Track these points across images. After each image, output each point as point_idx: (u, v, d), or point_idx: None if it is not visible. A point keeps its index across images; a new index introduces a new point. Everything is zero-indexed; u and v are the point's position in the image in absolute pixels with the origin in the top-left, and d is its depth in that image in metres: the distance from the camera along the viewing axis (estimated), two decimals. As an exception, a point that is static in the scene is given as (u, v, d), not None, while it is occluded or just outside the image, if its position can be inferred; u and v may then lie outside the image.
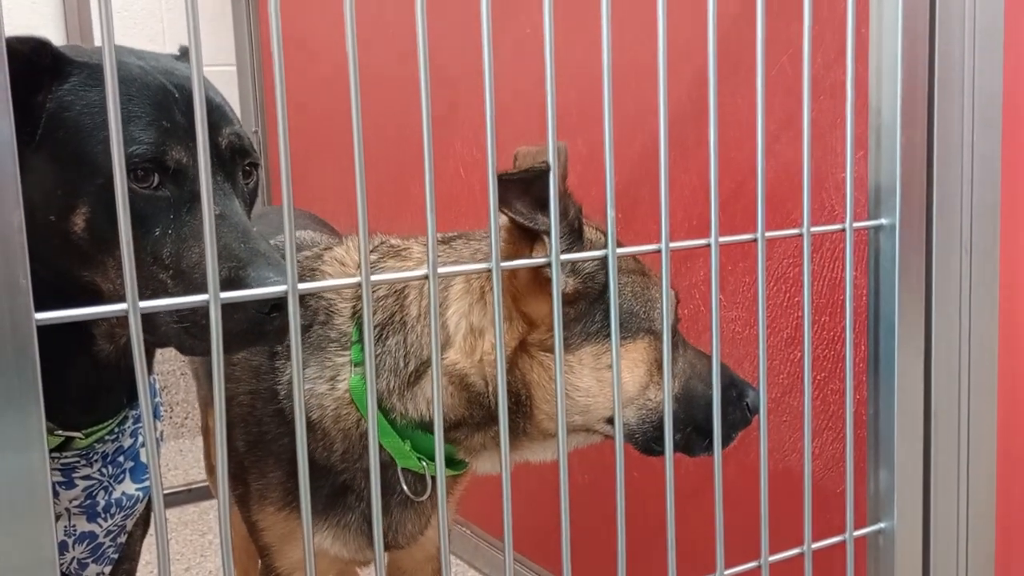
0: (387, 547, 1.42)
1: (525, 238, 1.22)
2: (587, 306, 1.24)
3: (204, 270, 0.87)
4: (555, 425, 1.28)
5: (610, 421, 1.28)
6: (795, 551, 1.16)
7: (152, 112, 1.07)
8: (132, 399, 1.28)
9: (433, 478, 1.33)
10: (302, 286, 0.82)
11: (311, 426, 1.31)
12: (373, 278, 0.86)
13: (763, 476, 1.12)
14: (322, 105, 2.72)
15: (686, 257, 1.75)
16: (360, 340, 1.30)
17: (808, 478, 1.15)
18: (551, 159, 0.95)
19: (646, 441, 1.29)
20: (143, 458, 1.31)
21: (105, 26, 0.70)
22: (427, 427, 1.28)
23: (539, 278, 1.23)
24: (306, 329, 1.31)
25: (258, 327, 1.01)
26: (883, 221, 1.16)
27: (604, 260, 1.23)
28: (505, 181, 1.11)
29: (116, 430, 1.26)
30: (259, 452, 1.37)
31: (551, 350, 1.24)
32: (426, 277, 0.87)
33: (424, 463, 1.31)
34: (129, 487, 1.30)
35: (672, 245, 1.01)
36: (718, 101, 1.01)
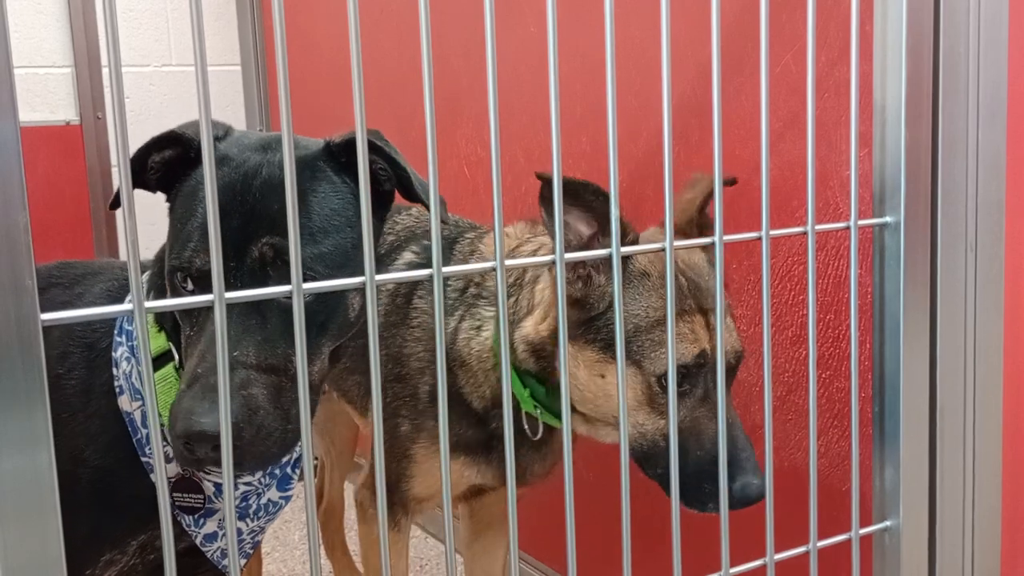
0: (521, 483, 1.60)
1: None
2: (588, 317, 1.36)
3: (201, 371, 1.07)
4: (586, 411, 1.42)
5: (610, 425, 1.41)
6: (801, 549, 1.16)
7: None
8: None
9: (545, 423, 1.51)
10: (307, 286, 0.83)
11: (463, 364, 1.55)
12: (378, 278, 0.86)
13: (768, 474, 1.12)
14: (326, 104, 2.72)
15: (691, 255, 1.74)
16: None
17: (813, 476, 1.15)
18: (553, 135, 0.95)
19: (639, 458, 1.38)
20: (288, 470, 1.42)
21: (109, 26, 0.70)
22: (531, 374, 1.47)
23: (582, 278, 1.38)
24: (464, 289, 1.58)
25: (180, 453, 1.09)
26: (888, 219, 1.16)
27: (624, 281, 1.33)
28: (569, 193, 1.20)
29: None
30: (428, 401, 1.59)
31: (574, 340, 1.37)
32: (430, 277, 0.88)
33: (538, 410, 1.48)
34: (274, 494, 1.40)
35: (677, 243, 1.01)
36: (722, 99, 1.01)
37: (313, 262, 1.14)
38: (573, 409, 1.41)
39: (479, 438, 1.57)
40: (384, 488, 0.88)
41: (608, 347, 1.34)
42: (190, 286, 1.14)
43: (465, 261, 1.62)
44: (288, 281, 1.12)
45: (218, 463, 1.09)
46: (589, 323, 1.35)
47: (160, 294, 1.23)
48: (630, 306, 1.34)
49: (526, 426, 1.52)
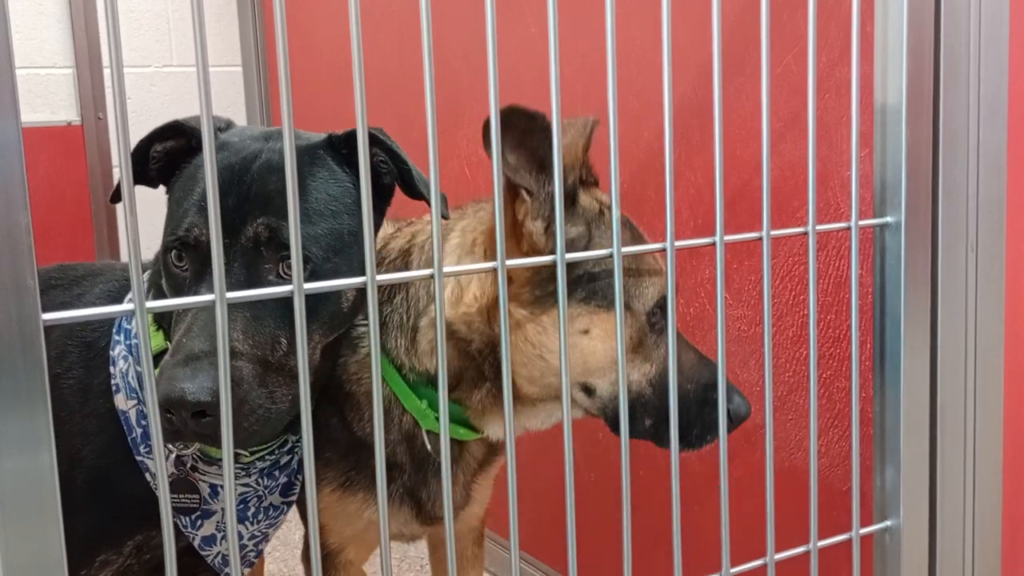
0: (430, 519, 1.46)
1: (509, 191, 1.19)
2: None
3: (186, 341, 1.06)
4: (534, 390, 1.28)
5: (584, 388, 1.26)
6: (801, 549, 1.16)
7: (204, 194, 1.14)
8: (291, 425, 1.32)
9: (458, 444, 1.36)
10: (307, 286, 0.83)
11: (348, 396, 1.36)
12: (379, 278, 0.86)
13: (769, 474, 1.12)
14: (327, 105, 2.72)
15: (691, 255, 1.75)
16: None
17: (814, 476, 1.15)
18: (554, 135, 0.95)
19: (615, 419, 1.24)
20: (291, 477, 1.39)
21: (111, 27, 0.70)
22: (432, 382, 1.31)
23: (517, 231, 1.21)
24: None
25: (166, 427, 1.07)
26: (888, 219, 1.16)
27: (590, 223, 1.23)
28: (503, 122, 1.05)
29: (277, 451, 1.34)
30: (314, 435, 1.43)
31: (525, 305, 1.22)
32: (432, 276, 0.88)
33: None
34: (277, 499, 1.38)
35: (677, 244, 1.01)
36: (723, 99, 1.01)
37: (308, 242, 1.15)
38: (519, 394, 1.27)
39: (372, 471, 1.37)
40: (384, 482, 0.88)
41: (592, 295, 1.20)
42: (184, 264, 1.15)
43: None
44: (280, 260, 1.14)
45: (199, 436, 1.08)
46: (556, 275, 1.17)
47: (159, 293, 1.23)
48: (604, 248, 1.18)
49: (429, 447, 1.35)
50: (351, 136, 1.21)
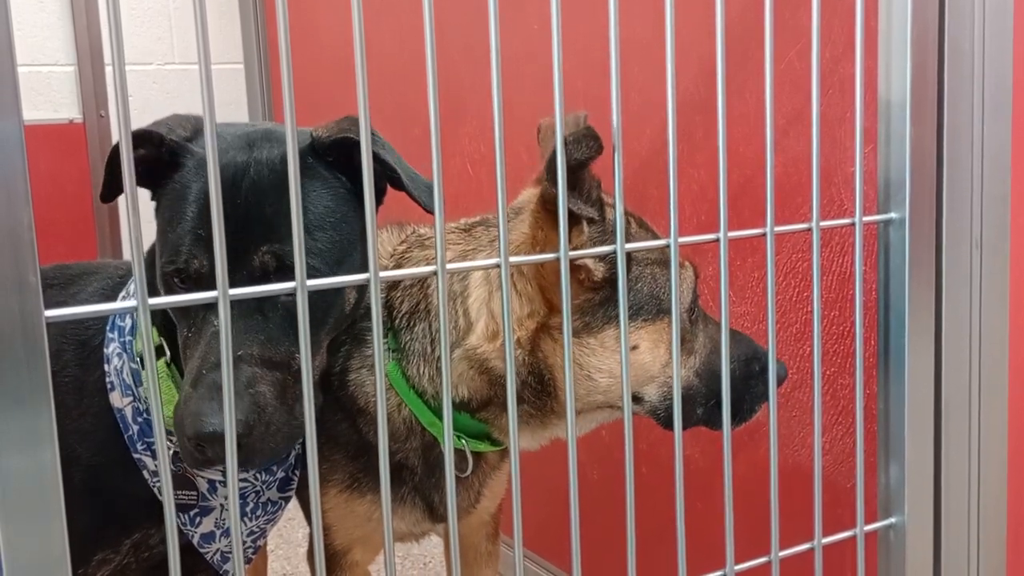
0: (442, 519, 1.49)
1: (556, 223, 1.21)
2: (612, 291, 1.24)
3: (207, 371, 1.06)
4: (577, 406, 1.30)
5: (634, 398, 1.30)
6: (805, 546, 1.16)
7: (198, 219, 1.13)
8: None
9: (474, 454, 1.38)
10: (311, 282, 0.83)
11: (361, 411, 1.37)
12: (381, 275, 0.86)
13: (773, 472, 1.12)
14: (328, 102, 2.72)
15: (695, 252, 1.74)
16: (395, 328, 1.36)
17: (818, 473, 1.15)
18: (559, 156, 0.94)
19: (669, 417, 1.29)
20: (289, 472, 1.39)
21: (113, 24, 0.70)
22: (459, 407, 1.33)
23: (569, 265, 1.23)
24: (354, 323, 1.37)
25: (189, 454, 1.08)
26: (892, 215, 1.16)
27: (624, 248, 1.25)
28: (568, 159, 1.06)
29: None
30: (322, 438, 1.42)
31: (574, 334, 1.25)
32: (435, 274, 0.87)
33: (464, 441, 1.36)
34: (275, 495, 1.38)
35: (681, 240, 1.01)
36: (726, 96, 1.01)
37: (311, 257, 1.14)
38: (547, 408, 1.31)
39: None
40: (387, 472, 0.88)
41: (637, 312, 1.25)
42: (188, 289, 1.13)
43: None
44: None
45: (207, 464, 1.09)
46: (608, 301, 1.24)
47: (151, 293, 1.22)
48: (636, 255, 1.26)
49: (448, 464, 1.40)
50: (336, 144, 1.19)
